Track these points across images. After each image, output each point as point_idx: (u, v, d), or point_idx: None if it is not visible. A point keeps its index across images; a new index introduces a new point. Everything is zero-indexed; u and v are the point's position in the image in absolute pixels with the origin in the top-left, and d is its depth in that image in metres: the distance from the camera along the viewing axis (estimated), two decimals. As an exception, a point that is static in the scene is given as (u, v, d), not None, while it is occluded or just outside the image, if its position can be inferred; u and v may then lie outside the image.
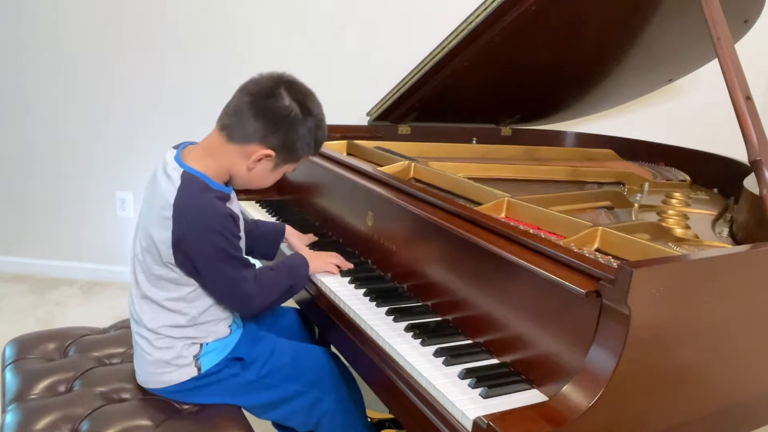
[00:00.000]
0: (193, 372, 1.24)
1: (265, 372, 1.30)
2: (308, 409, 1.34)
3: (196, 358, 1.24)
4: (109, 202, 2.96)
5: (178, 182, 1.15)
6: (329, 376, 1.37)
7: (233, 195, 1.24)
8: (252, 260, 1.59)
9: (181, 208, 1.13)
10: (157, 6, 2.69)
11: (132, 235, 1.27)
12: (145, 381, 1.27)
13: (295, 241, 1.58)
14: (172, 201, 1.14)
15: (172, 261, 1.16)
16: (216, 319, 1.26)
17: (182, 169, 1.16)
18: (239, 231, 1.22)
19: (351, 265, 1.44)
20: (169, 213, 1.13)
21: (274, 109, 1.16)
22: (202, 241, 1.15)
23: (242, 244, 1.26)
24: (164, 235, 1.14)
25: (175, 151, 1.21)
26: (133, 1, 2.69)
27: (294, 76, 1.22)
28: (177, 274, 1.18)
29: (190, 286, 1.20)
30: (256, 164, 1.19)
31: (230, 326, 1.30)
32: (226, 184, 1.24)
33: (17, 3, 2.74)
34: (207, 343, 1.25)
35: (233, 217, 1.18)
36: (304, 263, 1.36)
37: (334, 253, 1.46)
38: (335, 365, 1.40)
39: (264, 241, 1.53)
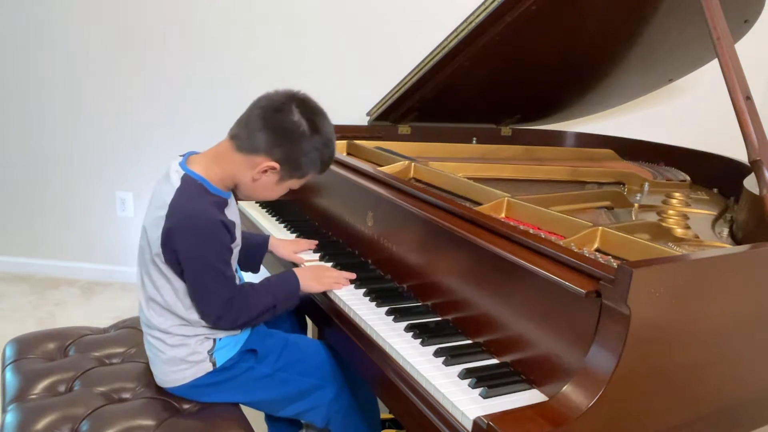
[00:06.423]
0: (208, 367, 1.25)
1: (280, 365, 1.31)
2: (326, 403, 1.35)
3: (211, 353, 1.26)
4: (109, 202, 2.96)
5: (177, 184, 1.17)
6: (341, 371, 1.38)
7: (231, 200, 1.24)
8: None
9: (175, 208, 1.16)
10: (156, 9, 2.69)
11: (137, 240, 1.28)
12: (162, 380, 1.27)
13: (283, 251, 1.54)
14: (168, 201, 1.16)
15: (162, 257, 1.17)
16: None
17: (183, 172, 1.19)
18: (233, 240, 1.21)
19: (353, 276, 1.38)
20: (164, 212, 1.16)
21: (282, 123, 1.18)
22: (189, 242, 1.16)
23: (236, 252, 1.25)
24: (156, 233, 1.17)
25: (181, 158, 1.23)
26: (134, 5, 2.69)
27: (308, 94, 1.23)
28: (167, 273, 1.19)
29: (182, 291, 1.20)
30: (261, 175, 1.21)
31: None
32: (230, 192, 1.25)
33: (21, 7, 2.74)
34: (220, 339, 1.26)
35: (226, 225, 1.18)
36: (292, 282, 1.32)
37: (329, 268, 1.41)
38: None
39: (245, 255, 1.42)
